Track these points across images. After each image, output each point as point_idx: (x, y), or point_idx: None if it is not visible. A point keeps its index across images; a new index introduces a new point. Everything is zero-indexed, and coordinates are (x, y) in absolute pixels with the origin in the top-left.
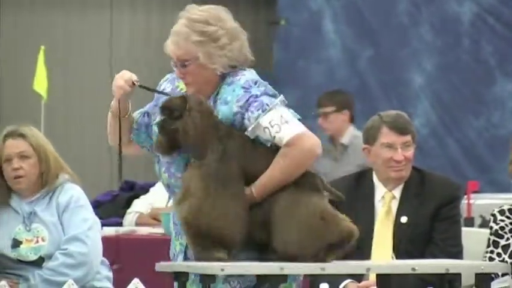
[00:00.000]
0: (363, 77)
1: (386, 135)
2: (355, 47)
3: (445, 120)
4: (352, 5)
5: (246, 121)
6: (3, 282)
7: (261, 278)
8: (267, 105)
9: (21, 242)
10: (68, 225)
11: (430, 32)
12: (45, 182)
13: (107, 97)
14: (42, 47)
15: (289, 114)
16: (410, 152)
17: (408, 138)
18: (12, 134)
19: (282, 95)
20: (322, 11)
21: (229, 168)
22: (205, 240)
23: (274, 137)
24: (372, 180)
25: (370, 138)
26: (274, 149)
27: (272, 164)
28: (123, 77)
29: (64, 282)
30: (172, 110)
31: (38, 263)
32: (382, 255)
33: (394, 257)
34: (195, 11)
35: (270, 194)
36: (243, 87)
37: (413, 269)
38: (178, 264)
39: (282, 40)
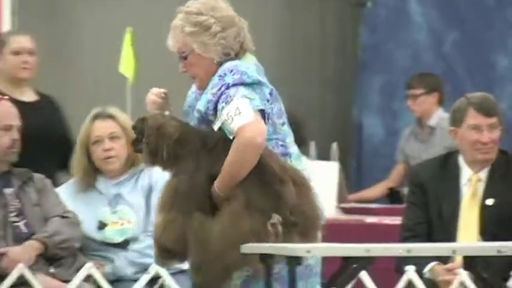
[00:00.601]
0: (449, 60)
1: (473, 117)
2: (441, 29)
3: None
4: None
5: (218, 112)
6: (90, 264)
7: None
8: (230, 97)
9: (106, 225)
10: (153, 207)
11: None
12: (131, 164)
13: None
14: (129, 29)
15: (246, 105)
16: (496, 134)
17: (495, 120)
18: (101, 115)
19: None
20: None
21: (197, 181)
22: (158, 248)
23: (231, 128)
24: (458, 163)
25: (456, 120)
26: None
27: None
28: (153, 92)
29: (149, 264)
30: (135, 132)
31: (123, 245)
32: (468, 238)
33: (481, 239)
34: (192, 4)
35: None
36: (219, 75)
37: (499, 251)
38: (264, 245)
39: (369, 23)
